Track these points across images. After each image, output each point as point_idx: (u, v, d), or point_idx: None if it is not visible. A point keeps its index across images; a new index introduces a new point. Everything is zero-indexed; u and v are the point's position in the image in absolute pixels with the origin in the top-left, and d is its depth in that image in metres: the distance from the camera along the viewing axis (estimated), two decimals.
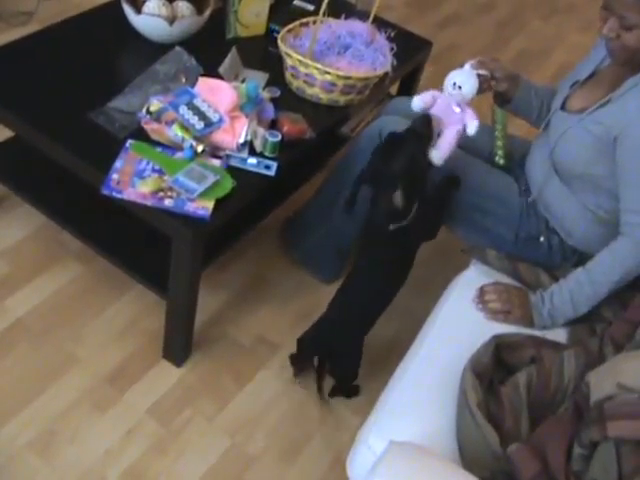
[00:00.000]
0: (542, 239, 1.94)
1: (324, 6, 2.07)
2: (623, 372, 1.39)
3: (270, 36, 2.33)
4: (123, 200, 1.75)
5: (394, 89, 2.72)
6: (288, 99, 2.12)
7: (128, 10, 2.14)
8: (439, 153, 1.81)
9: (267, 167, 1.90)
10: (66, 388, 1.99)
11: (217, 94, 1.91)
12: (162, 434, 1.95)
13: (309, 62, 2.04)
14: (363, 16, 2.33)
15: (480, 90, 1.82)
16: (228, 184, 1.80)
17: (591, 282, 1.71)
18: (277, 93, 2.10)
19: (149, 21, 2.13)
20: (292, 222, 2.45)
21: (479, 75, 1.80)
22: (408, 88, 2.68)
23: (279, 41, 2.10)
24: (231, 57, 2.12)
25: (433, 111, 1.82)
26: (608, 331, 1.68)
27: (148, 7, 2.13)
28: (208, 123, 1.85)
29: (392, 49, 2.26)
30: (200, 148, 1.83)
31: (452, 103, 1.81)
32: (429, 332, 1.74)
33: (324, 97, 2.13)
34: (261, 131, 1.92)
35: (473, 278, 1.89)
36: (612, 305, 1.74)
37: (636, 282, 1.73)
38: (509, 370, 1.61)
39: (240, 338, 2.22)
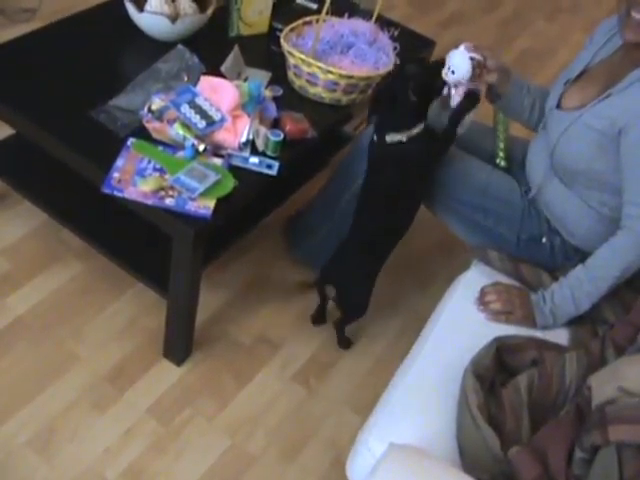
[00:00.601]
0: (544, 240, 1.93)
1: (327, 5, 2.06)
2: (625, 376, 1.38)
3: (273, 35, 2.32)
4: (124, 199, 1.74)
5: None
6: (290, 98, 2.11)
7: (130, 8, 2.13)
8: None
9: (269, 166, 1.89)
10: (66, 386, 1.98)
11: (219, 93, 1.90)
12: (162, 433, 1.94)
13: (312, 61, 2.03)
14: (366, 15, 2.32)
15: (473, 75, 1.79)
16: (230, 183, 1.79)
17: (591, 278, 1.71)
18: (279, 92, 2.10)
19: (151, 19, 2.12)
20: (294, 221, 2.45)
21: (472, 59, 1.79)
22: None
23: (282, 40, 2.10)
24: (233, 55, 2.11)
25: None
26: (610, 333, 1.67)
27: (150, 5, 2.12)
28: (210, 122, 1.84)
29: (395, 48, 2.25)
30: (202, 147, 1.83)
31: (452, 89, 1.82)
32: (430, 333, 1.74)
33: (327, 96, 2.12)
34: (263, 130, 1.91)
35: (475, 279, 1.88)
36: (614, 307, 1.74)
37: (639, 284, 1.72)
38: (510, 372, 1.60)
39: (241, 337, 2.21)
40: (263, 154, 1.92)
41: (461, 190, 1.96)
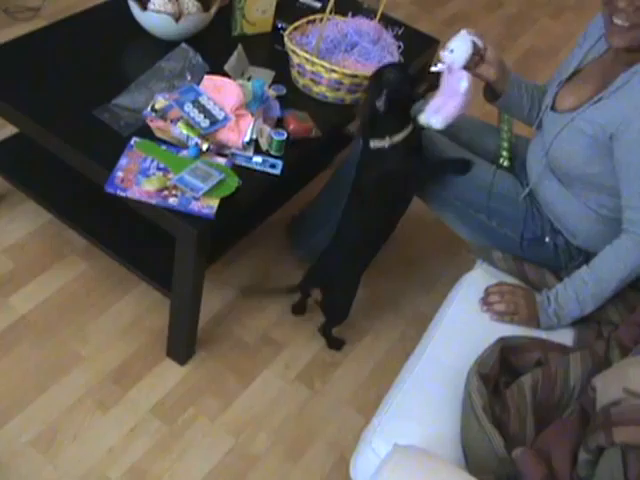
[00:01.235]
0: (547, 239, 1.92)
1: (331, 4, 2.06)
2: (630, 377, 1.37)
3: (276, 34, 2.32)
4: (127, 198, 1.74)
5: None
6: (294, 97, 2.11)
7: (134, 6, 2.13)
8: (437, 117, 1.78)
9: (273, 166, 1.89)
10: (69, 386, 1.98)
11: (223, 92, 1.90)
12: (165, 433, 1.94)
13: (315, 60, 2.03)
14: (370, 14, 2.32)
15: (470, 60, 1.77)
16: (233, 183, 1.79)
17: (596, 280, 1.70)
18: (283, 91, 2.09)
19: (155, 18, 2.12)
20: (297, 221, 2.44)
21: (473, 42, 1.77)
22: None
23: (285, 39, 2.09)
24: (237, 55, 2.10)
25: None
26: (615, 334, 1.66)
27: (154, 4, 2.12)
28: (213, 121, 1.84)
29: (399, 47, 2.25)
30: (205, 146, 1.83)
31: (447, 71, 1.78)
32: (434, 334, 1.73)
33: (330, 95, 2.11)
34: (267, 129, 1.91)
35: (479, 279, 1.88)
36: (619, 308, 1.73)
37: None
38: (515, 373, 1.60)
39: (244, 337, 2.21)
40: (267, 153, 1.91)
41: (465, 190, 1.95)
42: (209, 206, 1.73)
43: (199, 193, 1.73)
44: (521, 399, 1.50)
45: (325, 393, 2.13)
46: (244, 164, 1.87)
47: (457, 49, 1.75)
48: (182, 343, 2.06)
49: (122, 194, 1.73)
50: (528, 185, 1.93)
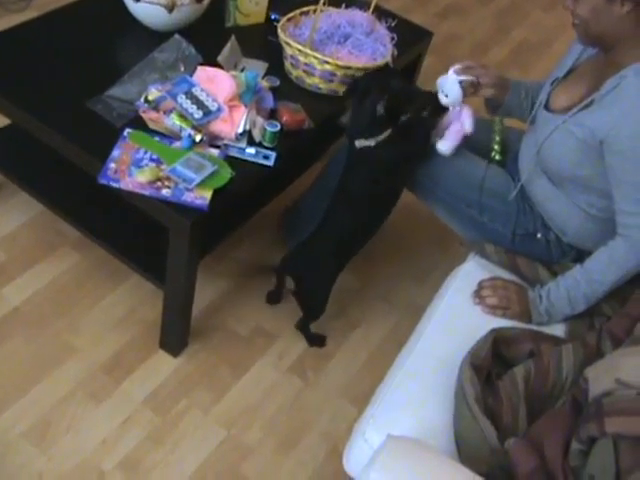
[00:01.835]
0: (539, 235, 1.92)
1: None
2: (622, 368, 1.38)
3: (270, 25, 2.32)
4: (120, 189, 1.73)
5: None
6: (287, 89, 2.10)
7: None
8: (445, 144, 1.92)
9: (266, 157, 1.89)
10: (62, 378, 1.98)
11: (216, 83, 1.89)
12: (158, 424, 1.94)
13: (309, 52, 2.02)
14: (363, 5, 2.32)
15: (465, 95, 1.86)
16: (226, 174, 1.79)
17: (588, 281, 1.70)
18: (276, 83, 2.09)
19: (148, 9, 2.11)
20: (290, 212, 2.44)
21: (462, 82, 1.84)
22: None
23: (279, 30, 2.09)
24: (230, 46, 2.10)
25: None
26: (607, 325, 1.67)
27: None
28: (206, 112, 1.84)
29: (392, 39, 2.25)
30: (198, 137, 1.82)
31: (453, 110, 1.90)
32: (427, 325, 1.73)
33: (324, 87, 2.11)
34: (260, 121, 1.91)
35: (472, 271, 1.88)
36: (611, 300, 1.73)
37: (635, 277, 1.72)
38: (507, 364, 1.60)
39: (237, 328, 2.21)
40: (260, 145, 1.91)
41: (456, 186, 1.95)
42: (202, 197, 1.73)
43: (192, 184, 1.73)
44: (513, 390, 1.51)
45: (318, 384, 2.13)
46: (237, 155, 1.87)
47: (450, 93, 1.85)
48: (175, 335, 2.06)
49: (115, 185, 1.73)
50: (519, 181, 1.94)
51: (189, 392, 2.03)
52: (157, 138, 1.84)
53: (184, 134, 1.82)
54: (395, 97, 1.87)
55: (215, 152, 1.84)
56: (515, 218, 1.93)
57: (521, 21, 4.14)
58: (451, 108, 1.89)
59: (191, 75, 1.93)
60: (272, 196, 2.24)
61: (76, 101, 1.90)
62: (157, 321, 2.06)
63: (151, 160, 1.79)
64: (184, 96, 1.84)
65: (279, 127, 1.90)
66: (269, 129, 1.89)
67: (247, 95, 1.92)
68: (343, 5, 2.31)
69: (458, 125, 1.90)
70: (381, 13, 2.40)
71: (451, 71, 1.85)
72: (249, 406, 2.04)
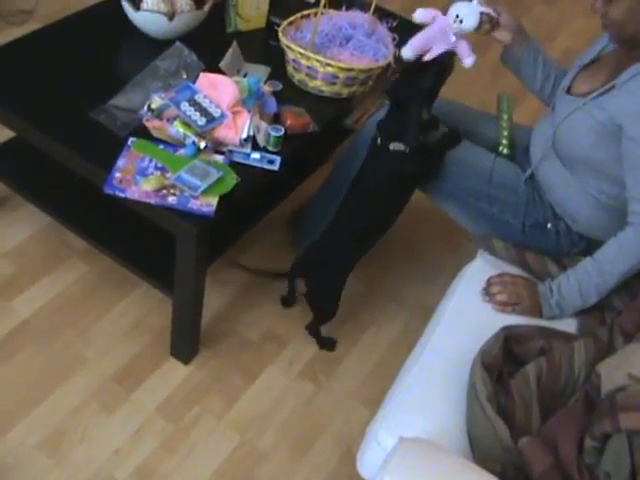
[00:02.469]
0: (549, 225, 1.92)
1: None
2: (634, 363, 1.37)
3: (271, 29, 2.31)
4: (126, 199, 1.73)
5: None
6: (290, 92, 2.10)
7: (127, 7, 2.12)
8: (410, 50, 1.89)
9: (271, 162, 1.88)
10: (74, 388, 1.98)
11: (218, 89, 1.89)
12: (171, 432, 1.94)
13: (310, 54, 2.02)
14: (364, 7, 2.31)
15: (480, 29, 1.83)
16: (232, 180, 1.79)
17: (599, 272, 1.69)
18: (279, 87, 2.08)
19: (148, 17, 2.11)
20: (297, 215, 2.44)
21: (482, 13, 1.81)
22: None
23: (280, 34, 2.08)
24: (232, 51, 2.10)
25: (428, 29, 1.90)
26: (618, 320, 1.66)
27: (147, 3, 2.11)
28: (210, 119, 1.84)
29: (394, 39, 2.24)
30: (202, 144, 1.82)
31: (449, 30, 1.85)
32: (437, 325, 1.73)
33: (326, 89, 2.11)
34: (264, 126, 1.90)
35: (481, 269, 1.87)
36: (621, 294, 1.72)
37: None
38: (519, 362, 1.59)
39: (247, 334, 2.21)
40: (264, 149, 1.91)
41: (465, 178, 1.95)
42: (208, 204, 1.73)
43: (198, 191, 1.73)
44: (526, 388, 1.50)
45: (330, 388, 2.13)
46: (242, 161, 1.87)
47: (466, 20, 1.81)
48: (185, 342, 2.06)
49: (121, 195, 1.73)
50: (532, 171, 1.93)
51: (201, 399, 2.03)
52: (161, 146, 1.84)
53: (188, 141, 1.82)
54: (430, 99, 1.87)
55: (220, 158, 1.84)
56: (525, 208, 1.93)
57: (523, 16, 4.10)
58: (451, 34, 1.85)
59: (193, 82, 1.93)
60: (278, 200, 2.24)
61: (79, 112, 1.90)
62: (167, 329, 2.06)
63: (156, 168, 1.79)
64: (187, 103, 1.84)
65: (283, 131, 1.90)
66: (273, 134, 1.88)
67: (250, 100, 1.91)
68: (344, 7, 2.31)
69: (440, 44, 1.87)
70: (382, 14, 2.39)
71: (475, 1, 1.83)
72: (261, 412, 2.03)
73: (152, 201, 1.72)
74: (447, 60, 1.87)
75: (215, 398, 2.04)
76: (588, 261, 1.72)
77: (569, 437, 1.36)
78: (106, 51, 2.15)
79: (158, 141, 1.86)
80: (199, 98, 1.86)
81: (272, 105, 1.99)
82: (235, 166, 1.83)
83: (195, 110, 1.83)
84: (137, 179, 1.75)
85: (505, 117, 2.13)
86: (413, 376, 1.60)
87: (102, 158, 1.80)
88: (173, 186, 1.75)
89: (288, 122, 1.94)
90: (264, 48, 2.29)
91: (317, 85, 2.10)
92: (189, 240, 1.75)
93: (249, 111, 1.88)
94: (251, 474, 1.90)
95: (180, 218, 1.72)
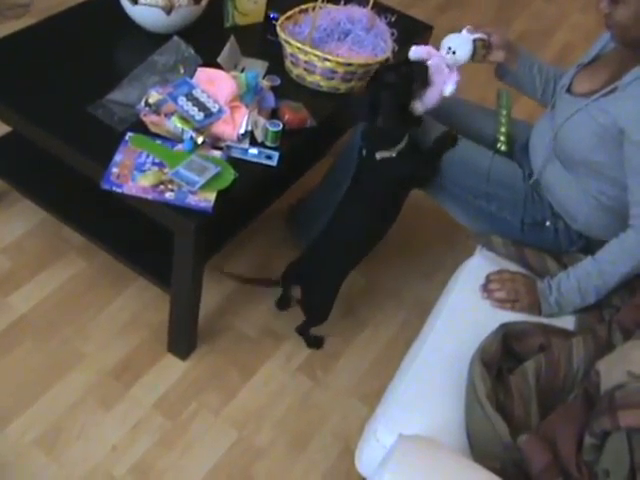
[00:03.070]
0: (548, 223, 1.91)
1: None
2: (633, 360, 1.37)
3: (269, 24, 2.30)
4: (123, 194, 1.73)
5: None
6: (288, 87, 2.09)
7: (125, 0, 2.11)
8: (422, 106, 1.86)
9: (269, 157, 1.88)
10: (71, 384, 1.98)
11: (216, 84, 1.88)
12: (169, 428, 1.94)
13: (309, 49, 2.01)
14: (362, 1, 2.30)
15: (475, 56, 1.83)
16: (229, 175, 1.78)
17: (599, 272, 1.69)
18: (277, 82, 2.08)
19: (146, 11, 2.10)
20: (296, 210, 2.44)
21: (475, 40, 1.81)
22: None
23: (278, 28, 2.07)
24: (230, 46, 2.09)
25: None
26: (616, 317, 1.66)
27: None
28: (208, 114, 1.83)
29: (392, 34, 2.23)
30: (200, 140, 1.81)
31: (443, 64, 1.82)
32: (436, 321, 1.72)
33: (325, 84, 2.10)
34: (262, 121, 1.90)
35: (479, 265, 1.87)
36: (620, 291, 1.72)
37: None
38: (518, 359, 1.59)
39: (245, 330, 2.21)
40: (262, 145, 1.90)
41: (463, 176, 1.94)
42: (206, 199, 1.72)
43: (195, 187, 1.72)
44: (525, 385, 1.50)
45: (327, 384, 2.12)
46: (240, 156, 1.86)
47: (459, 51, 1.80)
48: (183, 338, 2.06)
49: (118, 190, 1.72)
50: (530, 169, 1.93)
51: (199, 395, 2.02)
52: (159, 141, 1.83)
53: (186, 136, 1.81)
54: (399, 91, 1.83)
55: (218, 154, 1.83)
56: (523, 206, 1.92)
57: (522, 12, 4.12)
58: (444, 67, 1.83)
59: (191, 77, 1.92)
60: (276, 196, 2.23)
61: (76, 106, 1.89)
62: (164, 325, 2.06)
63: (154, 164, 1.78)
64: (185, 98, 1.83)
65: (281, 126, 1.89)
66: (271, 129, 1.88)
67: (248, 95, 1.91)
68: (342, 2, 2.30)
69: (438, 90, 1.84)
70: (380, 8, 2.38)
71: (465, 30, 1.82)
72: (259, 407, 2.03)
73: (149, 197, 1.72)
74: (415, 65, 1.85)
75: (213, 394, 2.03)
76: (588, 261, 1.72)
77: (568, 434, 1.36)
78: (103, 46, 2.14)
79: (156, 136, 1.85)
80: (197, 93, 1.85)
81: (270, 100, 1.98)
82: (233, 161, 1.83)
83: (193, 105, 1.82)
84: (134, 174, 1.74)
85: (504, 112, 2.12)
86: (412, 373, 1.60)
87: (99, 153, 1.79)
88: (171, 181, 1.74)
89: (286, 117, 1.93)
90: (262, 43, 2.28)
91: (315, 80, 2.09)
92: (187, 236, 1.74)
93: (247, 106, 1.88)
94: (249, 470, 1.90)
95: (178, 214, 1.71)
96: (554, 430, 1.38)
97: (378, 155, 1.86)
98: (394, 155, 1.85)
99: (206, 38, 2.17)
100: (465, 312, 1.75)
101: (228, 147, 1.86)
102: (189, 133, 1.81)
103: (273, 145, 1.90)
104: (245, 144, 1.88)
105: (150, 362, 2.06)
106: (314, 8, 2.14)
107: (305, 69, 2.07)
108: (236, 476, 1.88)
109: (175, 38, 2.10)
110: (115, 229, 2.04)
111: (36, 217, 2.33)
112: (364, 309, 2.33)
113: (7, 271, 2.20)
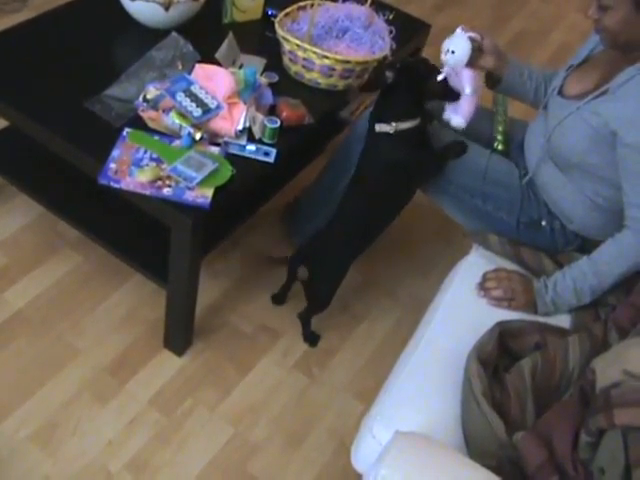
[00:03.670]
0: (544, 223, 1.92)
1: None
2: (629, 359, 1.37)
3: (267, 20, 2.30)
4: (121, 190, 1.72)
5: None
6: (286, 84, 2.09)
7: None
8: (462, 118, 1.86)
9: (266, 154, 1.88)
10: (67, 380, 1.98)
11: (214, 80, 1.88)
12: (164, 424, 1.94)
13: (307, 46, 2.01)
14: None
15: (472, 56, 1.81)
16: (227, 172, 1.78)
17: (595, 273, 1.69)
18: (275, 78, 2.08)
19: (144, 7, 2.10)
20: (293, 207, 2.43)
21: (470, 38, 1.80)
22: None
23: (276, 25, 2.08)
24: (228, 42, 2.09)
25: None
26: (612, 316, 1.66)
27: None
28: (206, 110, 1.83)
29: (390, 32, 2.23)
30: (198, 135, 1.81)
31: (450, 70, 1.83)
32: (432, 319, 1.73)
33: (323, 82, 2.10)
34: (260, 117, 1.90)
35: (475, 263, 1.87)
36: (616, 290, 1.72)
37: None
38: (514, 357, 1.60)
39: (241, 326, 2.21)
40: (260, 141, 1.90)
41: (460, 175, 1.95)
42: (203, 195, 1.72)
43: (193, 183, 1.72)
44: (521, 383, 1.50)
45: (323, 380, 2.12)
46: (238, 153, 1.86)
47: (458, 49, 1.80)
48: (179, 334, 2.06)
49: (116, 186, 1.72)
50: (526, 168, 1.93)
51: (194, 391, 2.02)
52: (157, 137, 1.83)
53: (184, 132, 1.81)
54: (407, 66, 1.88)
55: (215, 150, 1.83)
56: (519, 206, 1.93)
57: (519, 11, 4.12)
58: (453, 76, 1.84)
59: (189, 73, 1.92)
60: (273, 192, 2.23)
61: (74, 102, 1.89)
62: (160, 320, 2.06)
63: (151, 159, 1.78)
64: (183, 94, 1.83)
65: (279, 123, 1.89)
66: (269, 125, 1.88)
67: (246, 92, 1.91)
68: None
69: (463, 96, 1.86)
70: (379, 6, 2.38)
71: (459, 29, 1.82)
72: (255, 404, 2.03)
73: (147, 192, 1.71)
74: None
75: (208, 390, 2.03)
76: (584, 261, 1.72)
77: (564, 432, 1.36)
78: (101, 41, 2.13)
79: (153, 132, 1.85)
80: (195, 89, 1.85)
81: (268, 97, 1.98)
82: (231, 158, 1.83)
83: (191, 101, 1.82)
84: (132, 170, 1.74)
85: (501, 111, 2.12)
86: (408, 370, 1.60)
87: (97, 149, 1.79)
88: (168, 177, 1.74)
89: (284, 114, 1.94)
90: (260, 39, 2.28)
91: (313, 77, 2.09)
92: (184, 231, 1.74)
93: (245, 102, 1.88)
94: (244, 466, 1.90)
95: (175, 209, 1.71)
96: (550, 428, 1.39)
97: (377, 127, 1.88)
98: (391, 132, 1.86)
99: (204, 34, 2.17)
100: (461, 310, 1.75)
101: (226, 143, 1.86)
102: (187, 129, 1.81)
103: (271, 142, 1.90)
104: (243, 140, 1.88)
105: (146, 358, 2.06)
106: (312, 5, 2.14)
107: (303, 66, 2.07)
108: (232, 472, 1.89)
109: (173, 34, 2.10)
110: (112, 225, 2.04)
111: (32, 212, 2.32)
112: (360, 306, 2.33)
113: (3, 266, 2.19)
